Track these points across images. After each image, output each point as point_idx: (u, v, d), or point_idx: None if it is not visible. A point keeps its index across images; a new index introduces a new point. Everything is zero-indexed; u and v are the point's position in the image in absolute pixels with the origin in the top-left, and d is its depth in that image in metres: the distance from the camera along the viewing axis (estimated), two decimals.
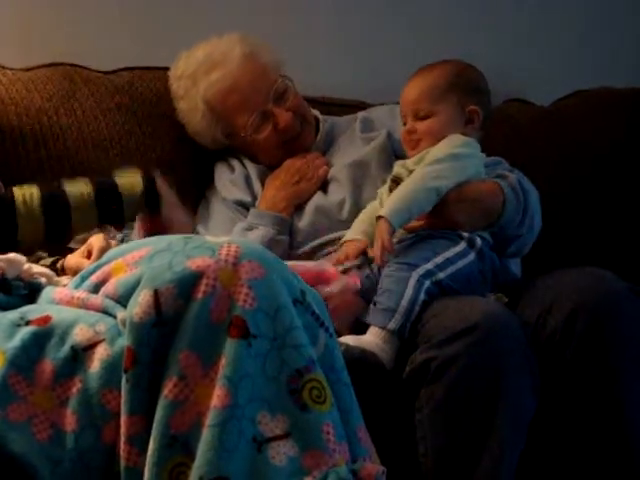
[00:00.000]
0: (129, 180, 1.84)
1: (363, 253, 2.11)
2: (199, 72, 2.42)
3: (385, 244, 1.98)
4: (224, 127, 2.44)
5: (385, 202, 2.09)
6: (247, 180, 2.44)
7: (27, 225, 1.79)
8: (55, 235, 1.82)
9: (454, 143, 2.12)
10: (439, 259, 2.01)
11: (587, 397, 1.92)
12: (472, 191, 2.09)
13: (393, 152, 2.35)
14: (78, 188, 1.83)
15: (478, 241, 2.07)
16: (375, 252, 2.00)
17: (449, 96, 2.15)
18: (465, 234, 2.06)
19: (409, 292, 1.96)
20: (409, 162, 2.16)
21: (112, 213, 1.81)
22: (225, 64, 2.41)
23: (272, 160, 2.44)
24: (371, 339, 1.92)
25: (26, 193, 1.81)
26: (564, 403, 1.94)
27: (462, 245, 2.05)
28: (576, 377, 1.93)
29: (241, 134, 2.41)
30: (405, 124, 2.19)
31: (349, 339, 1.92)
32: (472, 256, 2.05)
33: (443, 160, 2.08)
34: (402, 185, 2.08)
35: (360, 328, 1.98)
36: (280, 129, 2.40)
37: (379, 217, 2.02)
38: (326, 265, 2.07)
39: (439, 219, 2.07)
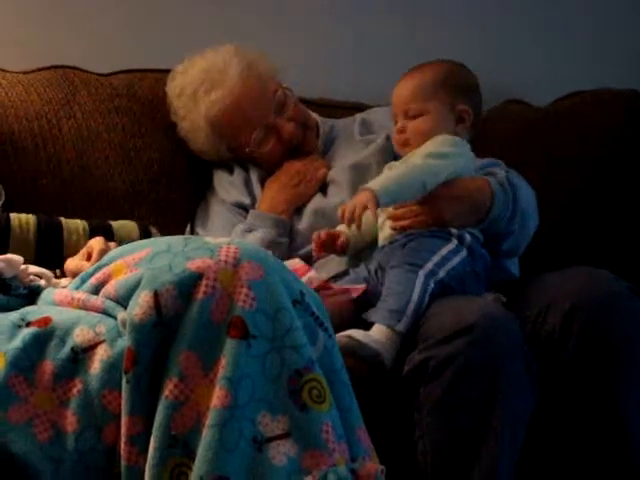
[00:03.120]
0: (125, 225, 1.90)
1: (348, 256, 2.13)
2: (199, 92, 2.42)
3: (360, 211, 1.97)
4: (228, 143, 2.45)
5: (374, 179, 2.09)
6: (246, 182, 2.44)
7: (19, 248, 1.84)
8: (45, 262, 1.86)
9: (441, 142, 2.13)
10: (437, 258, 2.01)
11: (586, 396, 1.93)
12: (460, 187, 2.10)
13: (392, 154, 2.36)
14: (75, 223, 1.89)
15: (467, 237, 2.07)
16: (346, 212, 1.98)
17: (439, 95, 2.16)
18: (454, 231, 2.06)
19: (417, 293, 1.95)
20: (397, 164, 2.17)
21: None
22: (224, 82, 2.41)
23: (277, 168, 2.44)
24: (378, 337, 1.92)
25: (22, 218, 1.86)
26: (563, 402, 1.95)
27: (454, 242, 2.05)
28: (575, 376, 1.93)
29: (246, 149, 2.41)
30: (396, 123, 2.20)
31: (360, 334, 1.91)
32: (464, 253, 2.05)
33: (432, 157, 2.08)
34: (394, 169, 2.10)
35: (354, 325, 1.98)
36: (284, 140, 2.41)
37: (366, 188, 2.01)
38: (295, 262, 2.09)
39: (428, 216, 2.07)
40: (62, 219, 2.05)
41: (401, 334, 1.93)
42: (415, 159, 2.10)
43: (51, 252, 1.97)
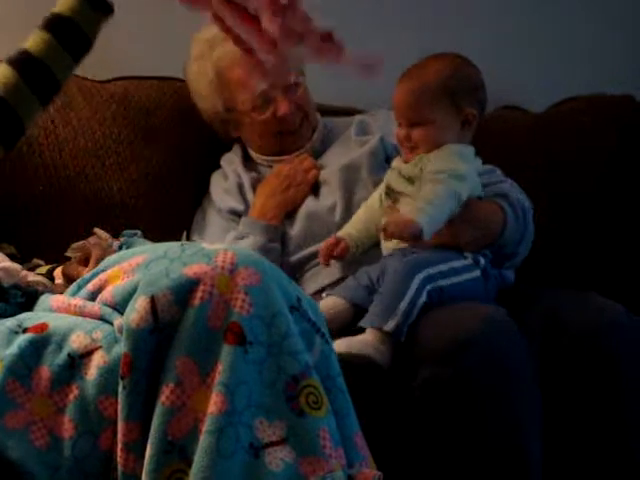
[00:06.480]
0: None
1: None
2: (217, 38, 2.42)
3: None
4: (226, 99, 2.45)
5: (415, 206, 2.02)
6: (240, 188, 2.44)
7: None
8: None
9: (453, 158, 2.07)
10: (444, 267, 1.99)
11: (589, 410, 1.94)
12: (475, 212, 2.08)
13: (385, 156, 2.35)
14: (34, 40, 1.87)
15: (482, 260, 2.06)
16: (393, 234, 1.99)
17: (443, 100, 2.09)
18: (468, 254, 2.06)
19: (410, 294, 1.93)
20: (404, 168, 2.12)
21: (72, 37, 1.91)
22: None
23: (263, 148, 2.45)
24: (366, 340, 1.91)
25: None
26: (562, 412, 1.95)
27: (469, 260, 2.04)
28: (578, 388, 1.95)
29: (239, 108, 2.42)
30: (400, 126, 2.14)
31: (340, 344, 1.89)
32: (478, 273, 2.05)
33: (452, 178, 2.03)
34: (431, 195, 2.02)
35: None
36: (278, 117, 2.40)
37: (414, 221, 1.96)
38: None
39: (443, 237, 2.04)
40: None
41: (391, 334, 1.91)
42: (436, 180, 2.04)
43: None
